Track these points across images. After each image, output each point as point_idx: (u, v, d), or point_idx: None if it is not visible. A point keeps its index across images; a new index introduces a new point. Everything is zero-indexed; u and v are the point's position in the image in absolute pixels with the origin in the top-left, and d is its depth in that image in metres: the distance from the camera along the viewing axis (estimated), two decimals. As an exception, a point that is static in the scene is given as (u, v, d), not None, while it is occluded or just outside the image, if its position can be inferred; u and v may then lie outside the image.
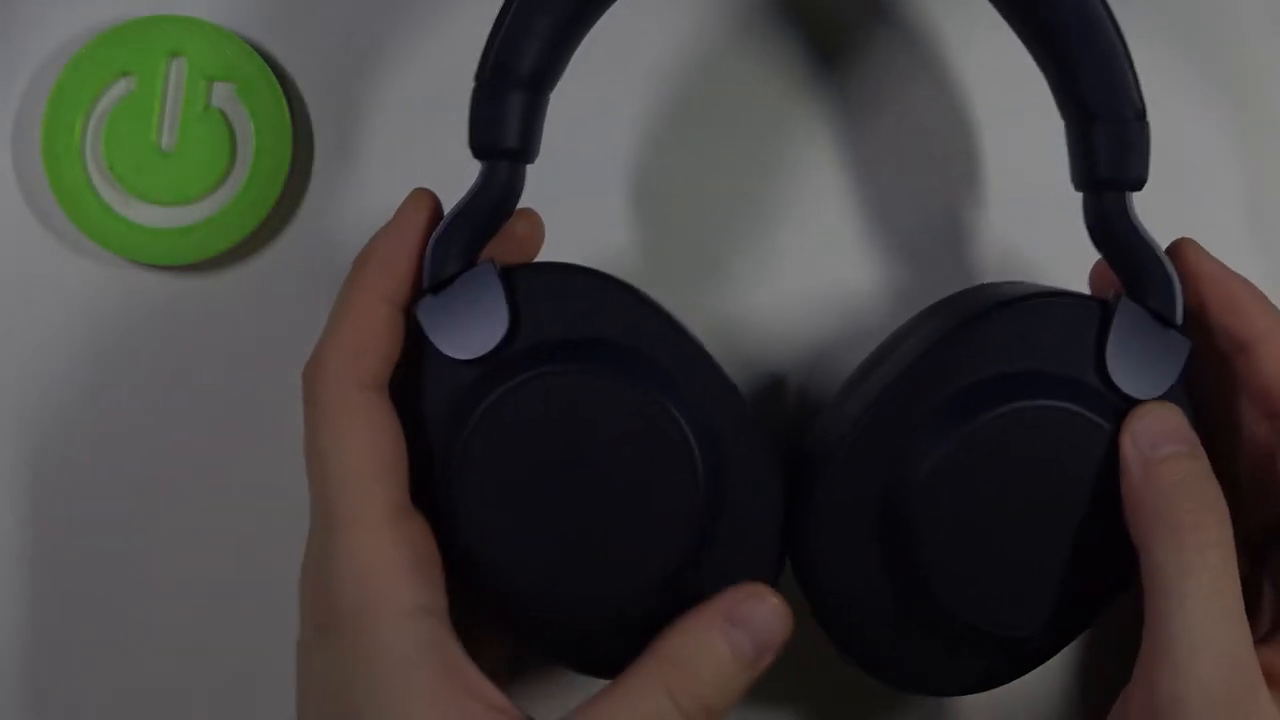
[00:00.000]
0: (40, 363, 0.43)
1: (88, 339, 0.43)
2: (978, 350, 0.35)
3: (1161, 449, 0.33)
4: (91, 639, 0.43)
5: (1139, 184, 0.35)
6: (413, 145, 0.43)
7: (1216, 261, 0.36)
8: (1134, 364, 0.34)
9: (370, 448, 0.34)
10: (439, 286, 0.35)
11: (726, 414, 0.35)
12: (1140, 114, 0.34)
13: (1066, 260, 0.39)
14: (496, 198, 0.35)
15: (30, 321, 0.43)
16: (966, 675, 0.36)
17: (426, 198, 0.36)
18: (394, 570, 0.33)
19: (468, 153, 0.35)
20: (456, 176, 0.36)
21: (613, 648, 0.35)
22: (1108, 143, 0.34)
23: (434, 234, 0.35)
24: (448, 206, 0.36)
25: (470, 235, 0.35)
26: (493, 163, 0.35)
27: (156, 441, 0.43)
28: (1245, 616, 0.32)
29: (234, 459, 0.43)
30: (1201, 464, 0.34)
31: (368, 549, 0.33)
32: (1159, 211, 0.36)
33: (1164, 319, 0.34)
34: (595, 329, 0.35)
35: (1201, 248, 0.36)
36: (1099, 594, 0.35)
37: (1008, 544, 0.34)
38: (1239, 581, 0.33)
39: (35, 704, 0.43)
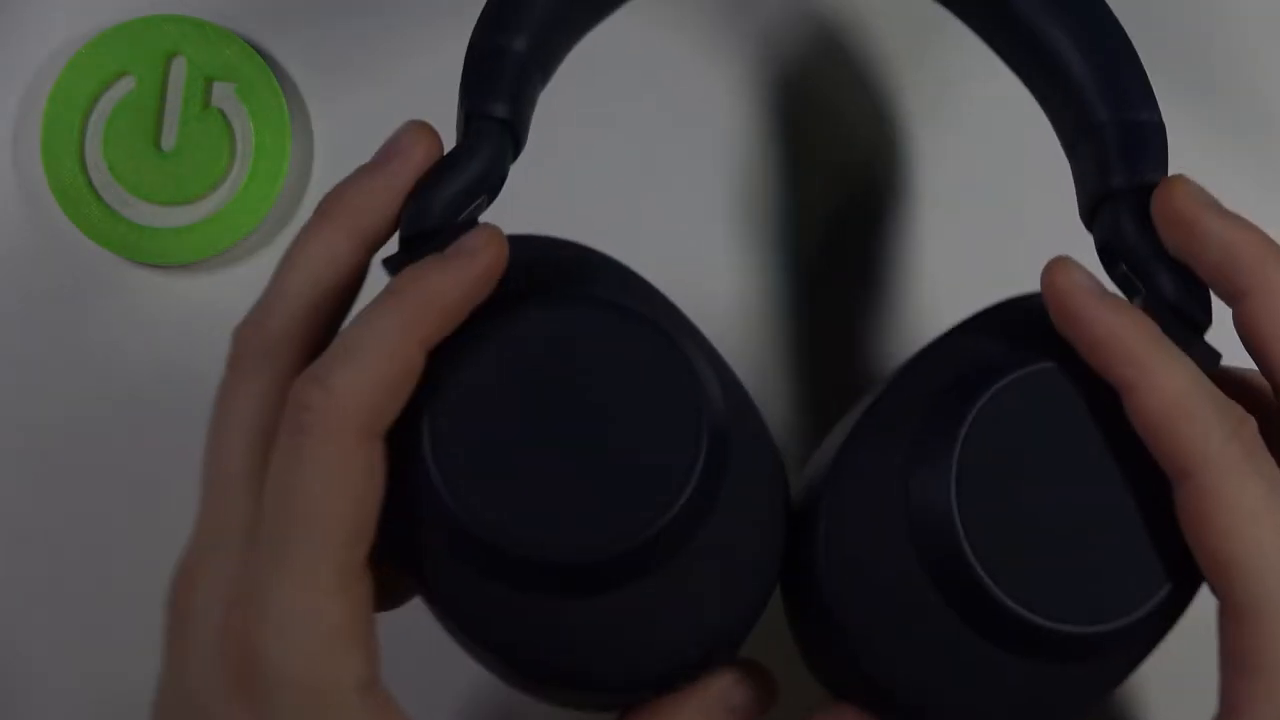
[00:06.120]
0: (40, 362, 0.43)
1: (87, 339, 0.43)
2: (969, 351, 0.33)
3: None
4: (87, 639, 0.43)
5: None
6: (413, 145, 0.43)
7: (1213, 209, 0.32)
8: None
9: (359, 504, 0.30)
10: (415, 242, 0.32)
11: (728, 385, 0.33)
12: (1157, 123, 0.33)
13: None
14: (486, 161, 0.33)
15: (30, 321, 0.43)
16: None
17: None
18: (348, 642, 0.30)
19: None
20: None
21: (599, 644, 0.32)
22: (1120, 146, 0.33)
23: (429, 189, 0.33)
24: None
25: (457, 193, 0.32)
26: (480, 123, 0.33)
27: (156, 442, 0.43)
28: None
29: (234, 459, 0.43)
30: None
31: (325, 617, 0.30)
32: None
33: (1197, 326, 0.32)
34: (584, 289, 0.33)
35: (1191, 188, 0.32)
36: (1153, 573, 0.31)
37: (1046, 525, 0.31)
38: None
39: (39, 704, 0.43)
